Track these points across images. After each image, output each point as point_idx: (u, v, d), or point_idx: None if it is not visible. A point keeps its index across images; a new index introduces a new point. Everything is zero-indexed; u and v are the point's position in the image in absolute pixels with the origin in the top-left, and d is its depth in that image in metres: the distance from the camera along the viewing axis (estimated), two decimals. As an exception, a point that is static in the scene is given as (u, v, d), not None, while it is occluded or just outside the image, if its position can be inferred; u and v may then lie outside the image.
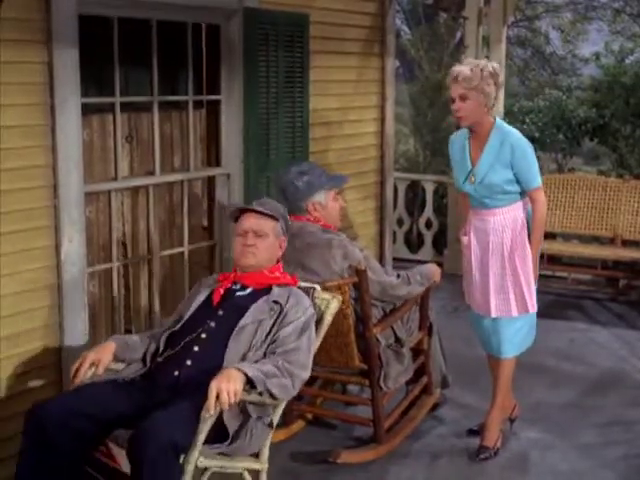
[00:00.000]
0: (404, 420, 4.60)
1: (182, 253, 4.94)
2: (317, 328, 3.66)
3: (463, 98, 4.13)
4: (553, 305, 7.29)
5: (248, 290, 3.64)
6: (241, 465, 3.35)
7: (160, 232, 4.88)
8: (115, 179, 4.53)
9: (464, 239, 4.42)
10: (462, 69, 4.15)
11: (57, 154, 3.92)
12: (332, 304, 3.75)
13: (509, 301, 4.28)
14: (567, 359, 5.89)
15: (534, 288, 4.32)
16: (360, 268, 4.08)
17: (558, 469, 4.29)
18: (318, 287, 3.81)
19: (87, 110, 4.25)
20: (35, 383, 3.94)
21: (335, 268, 4.14)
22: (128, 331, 4.66)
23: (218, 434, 3.16)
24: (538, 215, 4.26)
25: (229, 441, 3.21)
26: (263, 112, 5.08)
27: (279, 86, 5.17)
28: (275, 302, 3.54)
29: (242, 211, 3.73)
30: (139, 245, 4.80)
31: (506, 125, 4.29)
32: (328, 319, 3.73)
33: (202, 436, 3.05)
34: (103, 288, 4.60)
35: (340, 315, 4.05)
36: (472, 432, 4.55)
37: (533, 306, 4.33)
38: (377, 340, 4.24)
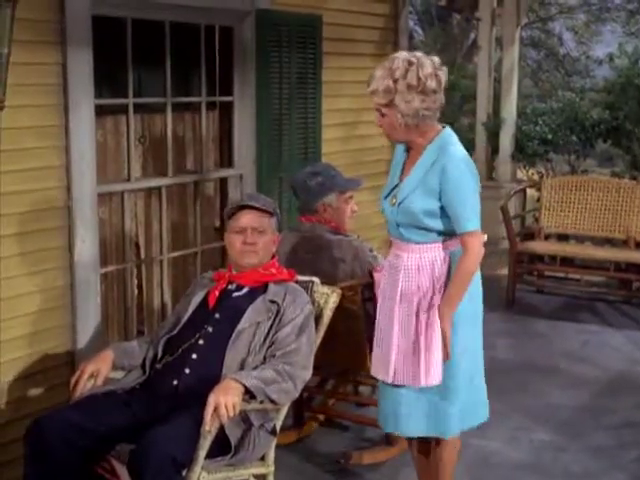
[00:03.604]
0: (416, 421, 4.59)
1: (194, 254, 4.96)
2: (317, 324, 3.57)
3: (380, 113, 3.26)
4: (566, 307, 7.27)
5: (244, 290, 3.53)
6: (247, 472, 3.29)
7: (173, 233, 4.89)
8: (128, 180, 4.54)
9: (378, 277, 3.58)
10: (374, 77, 3.21)
11: (71, 155, 3.94)
12: (331, 298, 3.64)
13: (408, 365, 3.30)
14: (580, 361, 5.87)
15: (437, 358, 3.26)
16: (372, 269, 4.07)
17: (570, 471, 4.28)
18: (317, 280, 3.73)
19: (101, 111, 4.27)
20: (49, 383, 3.96)
21: (346, 269, 4.14)
22: (140, 332, 4.68)
23: (220, 446, 3.10)
24: (465, 265, 3.21)
25: (232, 453, 3.15)
26: (276, 113, 5.09)
27: (292, 87, 5.18)
28: (272, 302, 3.44)
29: (239, 207, 3.60)
30: (152, 246, 4.82)
31: (452, 140, 3.28)
32: (328, 314, 3.63)
33: (203, 452, 3.00)
34: (116, 289, 4.62)
35: (352, 316, 4.05)
36: None
37: (429, 378, 3.27)
38: (389, 341, 4.23)
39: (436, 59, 3.24)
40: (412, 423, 3.40)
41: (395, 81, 3.15)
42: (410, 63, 3.16)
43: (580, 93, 9.67)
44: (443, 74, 3.24)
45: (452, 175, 3.17)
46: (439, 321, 3.26)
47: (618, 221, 7.32)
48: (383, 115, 3.23)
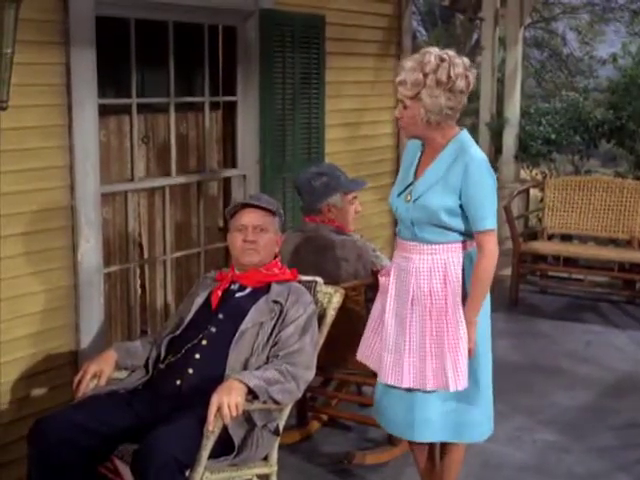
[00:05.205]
0: (419, 422, 4.58)
1: (198, 254, 4.96)
2: (320, 324, 3.57)
3: (404, 105, 3.24)
4: (569, 307, 7.26)
5: (247, 290, 3.53)
6: (250, 472, 3.30)
7: (176, 233, 4.89)
8: (132, 180, 4.54)
9: (383, 281, 3.47)
10: (403, 68, 3.20)
11: (74, 155, 3.94)
12: (334, 298, 3.65)
13: (425, 370, 3.27)
14: (583, 362, 5.86)
15: (463, 361, 3.25)
16: (376, 269, 4.07)
17: (574, 472, 4.27)
18: (320, 280, 3.72)
19: (104, 111, 4.27)
20: (52, 383, 3.96)
21: (349, 269, 4.13)
22: (144, 332, 4.68)
23: (223, 446, 3.10)
24: (483, 267, 3.22)
25: (235, 453, 3.15)
26: (279, 113, 5.09)
27: (295, 87, 5.18)
28: (275, 302, 3.44)
29: (241, 206, 3.60)
30: (155, 246, 4.82)
31: (470, 142, 3.29)
32: (331, 314, 3.64)
33: (206, 452, 3.01)
34: (119, 289, 4.62)
35: (355, 316, 4.05)
36: None
37: (458, 382, 3.25)
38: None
39: (467, 60, 3.23)
40: (428, 429, 3.37)
41: (425, 75, 3.13)
42: (442, 59, 3.15)
43: (584, 93, 9.66)
44: (472, 76, 3.23)
45: (473, 175, 3.18)
46: (463, 325, 3.24)
47: (622, 221, 7.32)
48: (406, 107, 3.22)
